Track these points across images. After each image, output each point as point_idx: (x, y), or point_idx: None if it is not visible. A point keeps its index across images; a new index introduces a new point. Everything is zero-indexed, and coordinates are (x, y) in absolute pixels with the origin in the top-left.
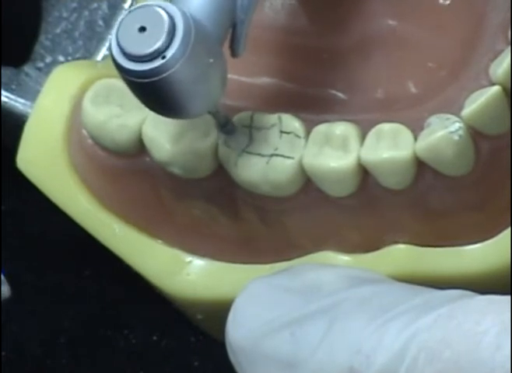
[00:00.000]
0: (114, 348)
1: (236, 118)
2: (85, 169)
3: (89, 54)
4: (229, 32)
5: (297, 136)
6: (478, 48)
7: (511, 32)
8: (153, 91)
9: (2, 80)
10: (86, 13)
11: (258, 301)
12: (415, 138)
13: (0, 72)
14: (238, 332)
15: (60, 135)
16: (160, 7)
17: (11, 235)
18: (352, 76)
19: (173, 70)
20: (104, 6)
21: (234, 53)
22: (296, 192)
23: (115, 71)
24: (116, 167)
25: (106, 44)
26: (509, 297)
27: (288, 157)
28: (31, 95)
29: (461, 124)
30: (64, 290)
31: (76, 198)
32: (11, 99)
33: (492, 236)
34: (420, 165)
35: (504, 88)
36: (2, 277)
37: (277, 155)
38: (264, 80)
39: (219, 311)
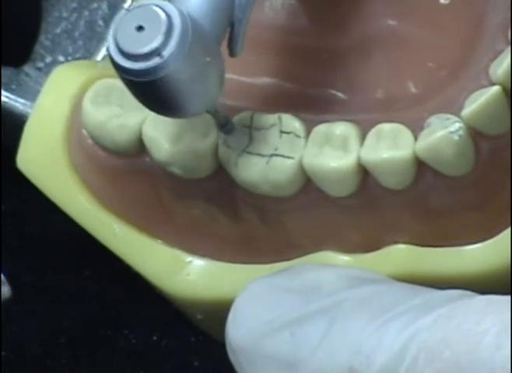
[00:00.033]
0: (114, 348)
1: (236, 118)
2: (85, 169)
3: (89, 54)
4: (228, 31)
5: (297, 136)
6: (478, 48)
7: (511, 32)
8: (151, 90)
9: (2, 80)
10: (86, 13)
11: (258, 301)
12: (415, 138)
13: (0, 72)
14: (238, 332)
15: (60, 135)
16: (158, 6)
17: (11, 235)
18: (352, 76)
19: (170, 69)
20: (104, 6)
21: (232, 52)
22: (296, 192)
23: (115, 71)
24: (116, 167)
25: (107, 44)
26: (509, 297)
27: (288, 157)
28: (31, 95)
29: (461, 124)
30: (64, 290)
31: (76, 198)
32: (11, 99)
33: (492, 236)
34: (420, 165)
35: (504, 88)
36: (3, 277)
37: (277, 155)
38: (264, 80)
39: (219, 311)
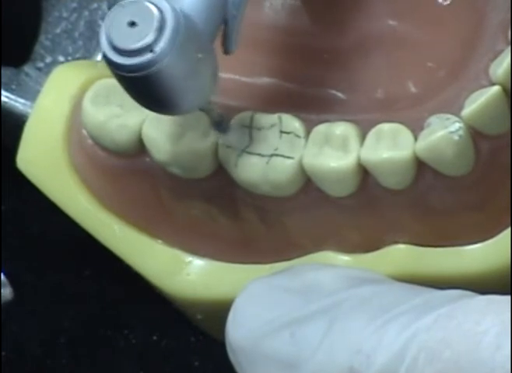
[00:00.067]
0: (114, 348)
1: (236, 118)
2: (85, 169)
3: (89, 54)
4: (221, 28)
5: (297, 136)
6: (478, 48)
7: (511, 32)
8: (143, 85)
9: (2, 80)
10: (86, 13)
11: (258, 301)
12: (415, 138)
13: (0, 72)
14: (238, 332)
15: (60, 135)
16: (150, 2)
17: (11, 235)
18: (352, 76)
19: (161, 64)
20: (104, 6)
21: (226, 50)
22: (296, 192)
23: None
24: (116, 167)
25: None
26: (509, 297)
27: (288, 157)
28: (31, 95)
29: (461, 124)
30: (64, 290)
31: (76, 198)
32: (11, 99)
33: (492, 236)
34: (420, 165)
35: (504, 88)
36: (4, 278)
37: (277, 155)
38: (264, 80)
39: (219, 311)
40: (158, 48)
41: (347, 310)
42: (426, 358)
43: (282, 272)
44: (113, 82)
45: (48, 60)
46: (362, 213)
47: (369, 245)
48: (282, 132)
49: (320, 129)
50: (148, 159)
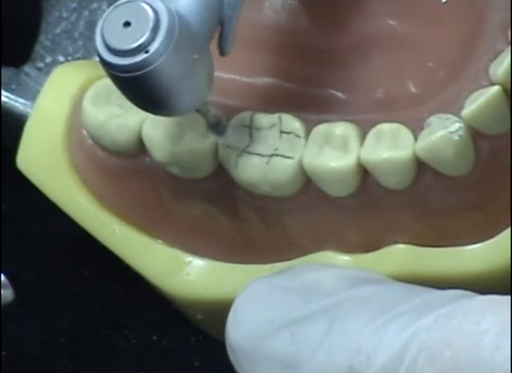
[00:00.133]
0: (114, 348)
1: (236, 118)
2: (85, 169)
3: (89, 54)
4: (218, 29)
5: (297, 136)
6: (478, 48)
7: (511, 32)
8: (137, 86)
9: (2, 80)
10: (86, 13)
11: (258, 301)
12: (415, 138)
13: (0, 72)
14: (238, 332)
15: (60, 135)
16: (145, 2)
17: (11, 235)
18: (352, 76)
19: (156, 64)
20: (104, 6)
21: (222, 50)
22: (296, 192)
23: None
24: (116, 167)
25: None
26: (509, 297)
27: (288, 157)
28: (31, 95)
29: (461, 124)
30: (64, 290)
31: (76, 198)
32: (11, 99)
33: (492, 236)
34: (420, 165)
35: (504, 88)
36: (4, 279)
37: (277, 155)
38: (264, 80)
39: (219, 311)
40: (152, 48)
41: (347, 310)
42: (426, 358)
43: (282, 272)
44: None
45: (48, 60)
46: (362, 213)
47: (369, 245)
48: (282, 132)
49: (320, 129)
50: (148, 159)
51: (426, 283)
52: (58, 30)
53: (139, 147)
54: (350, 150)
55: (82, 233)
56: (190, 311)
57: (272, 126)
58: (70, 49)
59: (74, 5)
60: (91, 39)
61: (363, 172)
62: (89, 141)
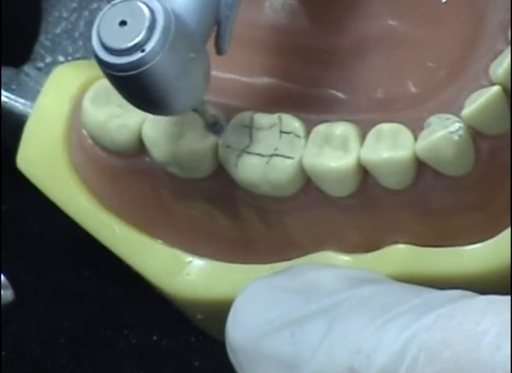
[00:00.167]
0: (114, 348)
1: (236, 118)
2: (85, 169)
3: (89, 54)
4: (214, 29)
5: (297, 136)
6: (478, 48)
7: (511, 32)
8: (134, 85)
9: (2, 80)
10: (86, 13)
11: (258, 301)
12: (415, 138)
13: (0, 72)
14: (238, 332)
15: (60, 135)
16: (141, 1)
17: (11, 235)
18: (352, 76)
19: (152, 63)
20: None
21: (219, 50)
22: (296, 192)
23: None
24: (116, 167)
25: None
26: (509, 297)
27: (288, 157)
28: (31, 95)
29: (461, 124)
30: (64, 290)
31: (76, 198)
32: (11, 99)
33: (492, 236)
34: (420, 165)
35: (504, 88)
36: (4, 279)
37: (277, 155)
38: (264, 80)
39: (219, 311)
40: (148, 48)
41: (347, 310)
42: (426, 358)
43: (282, 272)
44: None
45: (48, 60)
46: (362, 213)
47: (370, 245)
48: (282, 132)
49: (320, 129)
50: (148, 159)
51: (426, 283)
52: (58, 30)
53: (139, 147)
54: (350, 150)
55: (82, 233)
56: (190, 311)
57: (272, 126)
58: (70, 49)
59: (74, 5)
60: (91, 39)
61: (363, 172)
62: (89, 141)
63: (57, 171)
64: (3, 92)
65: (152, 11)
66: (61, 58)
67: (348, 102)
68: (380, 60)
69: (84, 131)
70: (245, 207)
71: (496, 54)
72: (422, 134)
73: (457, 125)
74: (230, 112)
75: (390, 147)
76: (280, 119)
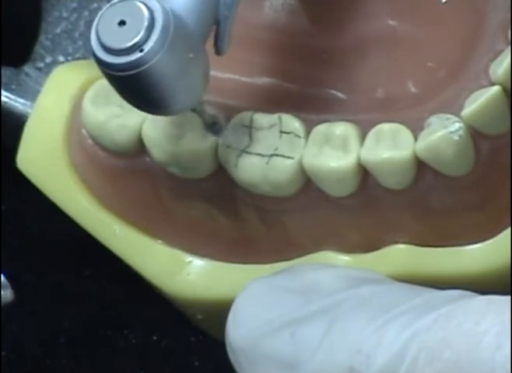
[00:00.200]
0: (114, 348)
1: (236, 118)
2: (85, 169)
3: (89, 54)
4: (213, 29)
5: (297, 136)
6: (478, 48)
7: (511, 32)
8: (133, 85)
9: (2, 80)
10: (86, 13)
11: (258, 301)
12: (415, 138)
13: (0, 72)
14: (238, 332)
15: (60, 135)
16: (140, 1)
17: (11, 235)
18: (352, 76)
19: (151, 63)
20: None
21: (218, 50)
22: (296, 192)
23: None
24: (116, 167)
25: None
26: (509, 297)
27: (288, 157)
28: (31, 95)
29: (461, 124)
30: (64, 290)
31: (76, 198)
32: (11, 99)
33: (492, 236)
34: (420, 165)
35: (504, 88)
36: (4, 279)
37: (277, 155)
38: (264, 80)
39: (219, 311)
40: (147, 47)
41: (347, 310)
42: (426, 358)
43: (282, 272)
44: None
45: (48, 60)
46: (362, 213)
47: (370, 245)
48: (282, 132)
49: (320, 129)
50: (148, 159)
51: (426, 283)
52: (58, 30)
53: (139, 147)
54: (350, 150)
55: (82, 233)
56: (190, 311)
57: (272, 126)
58: (70, 49)
59: (74, 5)
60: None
61: (363, 172)
62: (89, 141)
63: (57, 171)
64: (3, 92)
65: (151, 11)
66: (61, 58)
67: (348, 102)
68: (380, 60)
69: (84, 131)
70: (245, 207)
71: (496, 54)
72: (422, 134)
73: (457, 125)
74: (230, 112)
75: (390, 147)
76: (280, 119)
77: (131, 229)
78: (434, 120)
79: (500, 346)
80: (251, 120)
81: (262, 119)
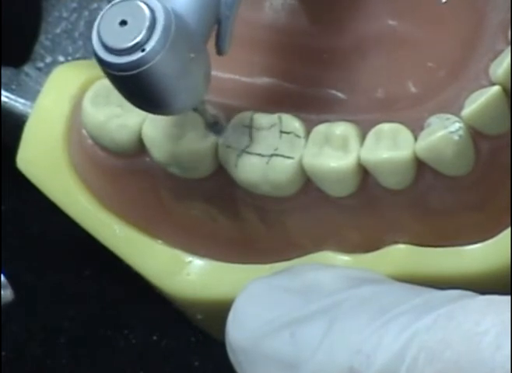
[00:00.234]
0: (114, 348)
1: (236, 118)
2: (85, 169)
3: (89, 54)
4: (215, 29)
5: (297, 136)
6: (478, 48)
7: (511, 32)
8: (134, 84)
9: (2, 80)
10: (86, 13)
11: (258, 301)
12: (415, 138)
13: (0, 72)
14: (238, 332)
15: (60, 135)
16: (142, 1)
17: (11, 235)
18: (352, 76)
19: (152, 63)
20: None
21: (220, 50)
22: (296, 192)
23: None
24: (116, 167)
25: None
26: (509, 297)
27: (288, 157)
28: (31, 95)
29: (461, 124)
30: (64, 290)
31: (76, 198)
32: (11, 99)
33: (492, 236)
34: (420, 165)
35: (504, 88)
36: (4, 279)
37: (277, 155)
38: (264, 80)
39: (219, 311)
40: (149, 47)
41: (347, 310)
42: (426, 358)
43: (282, 272)
44: None
45: (48, 60)
46: (362, 213)
47: (370, 245)
48: (282, 132)
49: (320, 129)
50: (148, 159)
51: (426, 283)
52: (58, 30)
53: (139, 147)
54: (350, 150)
55: (82, 233)
56: (190, 311)
57: (272, 126)
58: (70, 49)
59: (74, 5)
60: (91, 39)
61: (363, 172)
62: (89, 141)
63: (57, 171)
64: (3, 92)
65: (152, 10)
66: (61, 58)
67: (348, 102)
68: (380, 60)
69: (84, 131)
70: (245, 207)
71: (496, 54)
72: (422, 134)
73: (457, 125)
74: (230, 112)
75: (390, 147)
76: (280, 119)
77: (131, 229)
78: (434, 120)
79: (500, 347)
80: (251, 120)
81: (262, 119)
